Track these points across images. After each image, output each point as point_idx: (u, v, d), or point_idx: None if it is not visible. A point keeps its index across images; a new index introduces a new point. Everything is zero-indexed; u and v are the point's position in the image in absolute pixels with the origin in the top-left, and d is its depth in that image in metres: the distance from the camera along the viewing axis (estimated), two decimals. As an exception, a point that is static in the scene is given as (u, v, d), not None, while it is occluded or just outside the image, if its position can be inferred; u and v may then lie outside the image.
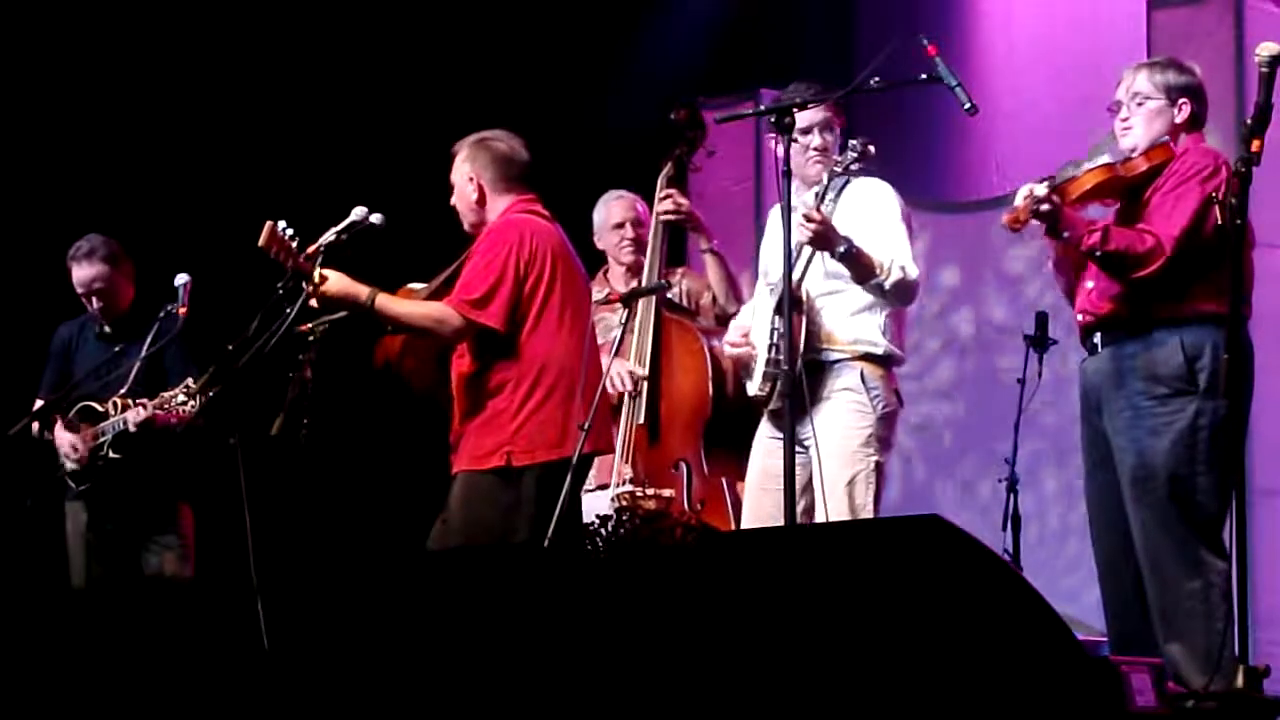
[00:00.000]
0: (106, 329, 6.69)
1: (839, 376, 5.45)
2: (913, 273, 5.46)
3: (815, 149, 5.56)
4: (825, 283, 5.46)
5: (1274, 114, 4.48)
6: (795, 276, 5.16)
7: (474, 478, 5.37)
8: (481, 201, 5.55)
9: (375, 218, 5.31)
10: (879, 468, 5.46)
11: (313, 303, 5.23)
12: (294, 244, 5.22)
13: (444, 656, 4.30)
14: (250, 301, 5.25)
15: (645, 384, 6.18)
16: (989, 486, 7.67)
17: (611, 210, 6.57)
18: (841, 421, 5.41)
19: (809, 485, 5.36)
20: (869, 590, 3.85)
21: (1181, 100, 5.02)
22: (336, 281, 5.27)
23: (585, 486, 5.65)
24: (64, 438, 6.49)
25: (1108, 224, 4.96)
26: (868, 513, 5.39)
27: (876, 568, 3.87)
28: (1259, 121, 4.47)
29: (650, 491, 5.97)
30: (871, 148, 5.43)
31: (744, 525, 5.63)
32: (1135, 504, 4.90)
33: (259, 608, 4.76)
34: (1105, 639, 5.20)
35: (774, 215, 5.56)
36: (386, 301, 5.35)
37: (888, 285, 5.41)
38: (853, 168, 5.45)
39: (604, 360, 5.65)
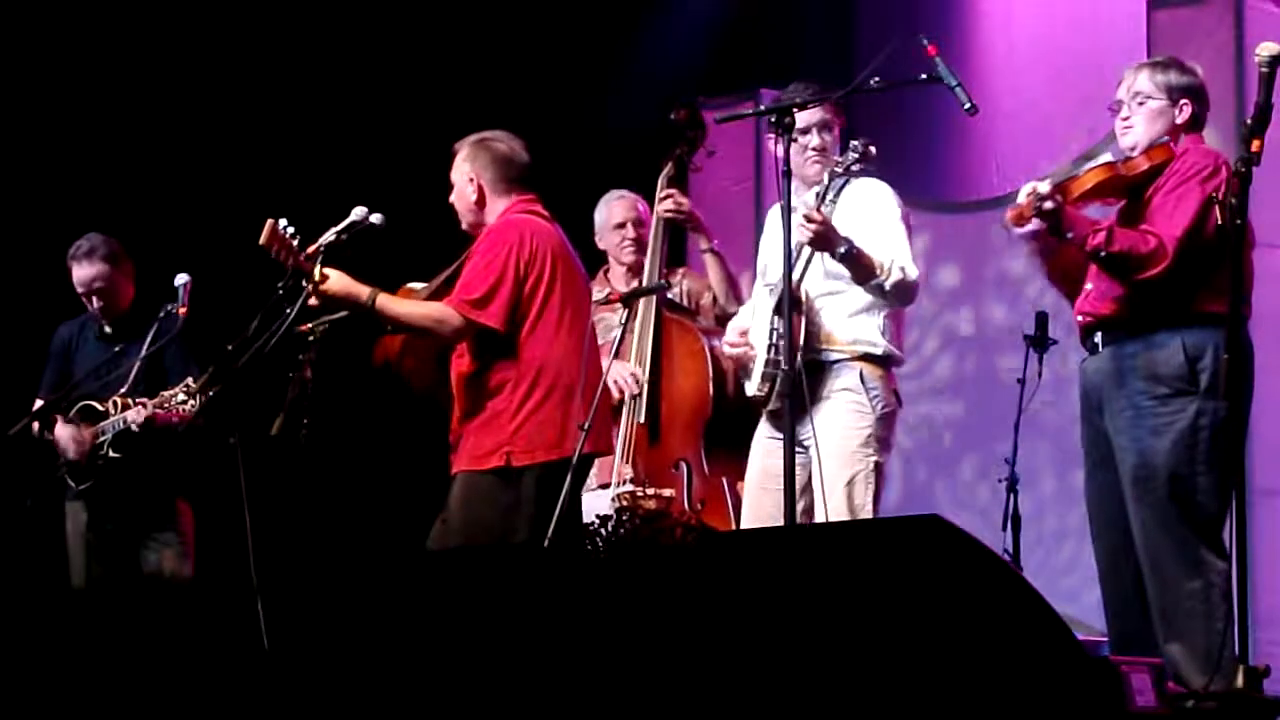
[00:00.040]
0: (107, 329, 6.69)
1: (838, 377, 5.45)
2: (912, 273, 5.46)
3: (814, 149, 5.56)
4: (825, 283, 5.46)
5: (1274, 114, 4.48)
6: (795, 277, 5.16)
7: (474, 478, 5.37)
8: (481, 202, 5.55)
9: (375, 218, 5.31)
10: (878, 468, 5.46)
11: (313, 302, 5.23)
12: (295, 243, 5.22)
13: (444, 657, 4.30)
14: (250, 301, 5.25)
15: (646, 384, 6.18)
16: (989, 486, 7.67)
17: (613, 210, 6.57)
18: (841, 422, 5.41)
19: (808, 485, 5.36)
20: (869, 590, 3.85)
21: (1183, 101, 5.02)
22: (337, 281, 5.27)
23: (586, 486, 5.65)
24: (64, 431, 6.49)
25: (1112, 224, 4.96)
26: (867, 513, 5.39)
27: (876, 568, 3.87)
28: (1259, 121, 4.47)
29: (651, 491, 5.97)
30: (872, 148, 5.43)
31: (744, 525, 5.63)
32: (1136, 504, 4.90)
33: (259, 608, 4.76)
34: (1105, 639, 5.20)
35: (773, 215, 5.57)
36: (387, 301, 5.35)
37: (888, 286, 5.41)
38: (853, 168, 5.45)
39: (604, 361, 5.66)
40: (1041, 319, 7.22)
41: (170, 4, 8.15)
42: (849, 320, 5.48)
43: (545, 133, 5.91)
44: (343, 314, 5.31)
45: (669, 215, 6.36)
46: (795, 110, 5.19)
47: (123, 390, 6.46)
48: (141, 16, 8.07)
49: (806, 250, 5.34)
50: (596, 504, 5.72)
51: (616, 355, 5.75)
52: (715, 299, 6.46)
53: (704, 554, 4.31)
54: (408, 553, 5.49)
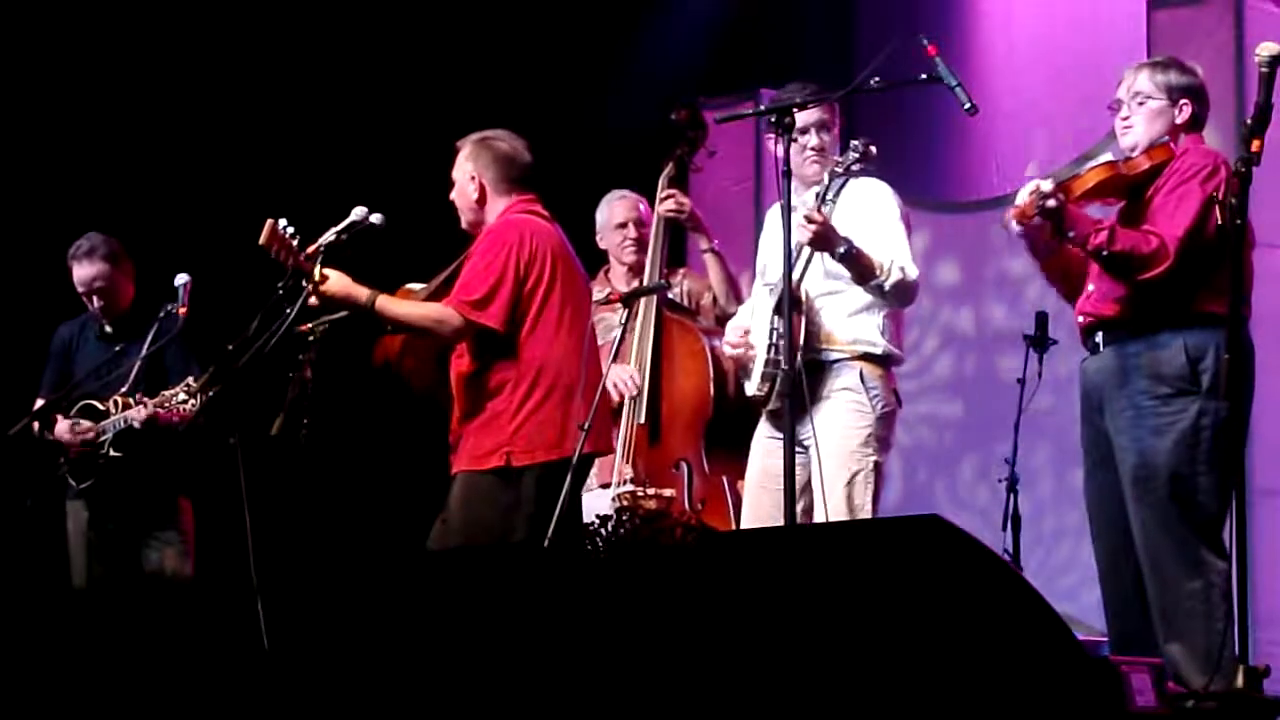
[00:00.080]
0: (107, 328, 6.69)
1: (838, 376, 5.45)
2: (912, 273, 5.46)
3: (812, 149, 5.55)
4: (824, 283, 5.46)
5: (1274, 114, 4.48)
6: (795, 276, 5.16)
7: (474, 478, 5.38)
8: (482, 201, 5.55)
9: (375, 218, 5.31)
10: (878, 468, 5.46)
11: (312, 301, 5.23)
12: (295, 243, 5.22)
13: (444, 657, 4.30)
14: (250, 301, 5.25)
15: (645, 385, 6.19)
16: (989, 486, 7.67)
17: (614, 210, 6.58)
18: (840, 421, 5.41)
19: (808, 485, 5.36)
20: (869, 590, 3.85)
21: (1183, 101, 5.02)
22: (336, 282, 5.27)
23: (586, 486, 5.65)
24: (63, 425, 6.49)
25: (1114, 224, 4.96)
26: (866, 513, 5.39)
27: (876, 568, 3.87)
28: (1259, 121, 4.47)
29: (651, 491, 5.98)
30: (872, 148, 5.43)
31: (744, 525, 5.62)
32: (1136, 503, 4.89)
33: (259, 608, 4.76)
34: (1105, 639, 5.20)
35: (772, 215, 5.57)
36: (386, 303, 5.35)
37: (887, 286, 5.41)
38: (853, 168, 5.45)
39: (604, 361, 5.66)
40: (1041, 319, 7.22)
41: (170, 4, 8.15)
42: (849, 320, 5.48)
43: (545, 133, 5.90)
44: (343, 314, 5.32)
45: (670, 215, 6.36)
46: (795, 110, 5.19)
47: (123, 390, 6.46)
48: (141, 16, 8.07)
49: (806, 250, 5.34)
50: (596, 504, 5.72)
51: (617, 355, 5.75)
52: (715, 299, 6.47)
53: (704, 554, 4.31)
54: (408, 553, 5.49)
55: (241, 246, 5.34)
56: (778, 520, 5.11)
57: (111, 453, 6.41)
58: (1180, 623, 4.81)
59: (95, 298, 6.64)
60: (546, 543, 5.04)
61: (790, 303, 5.12)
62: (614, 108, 8.24)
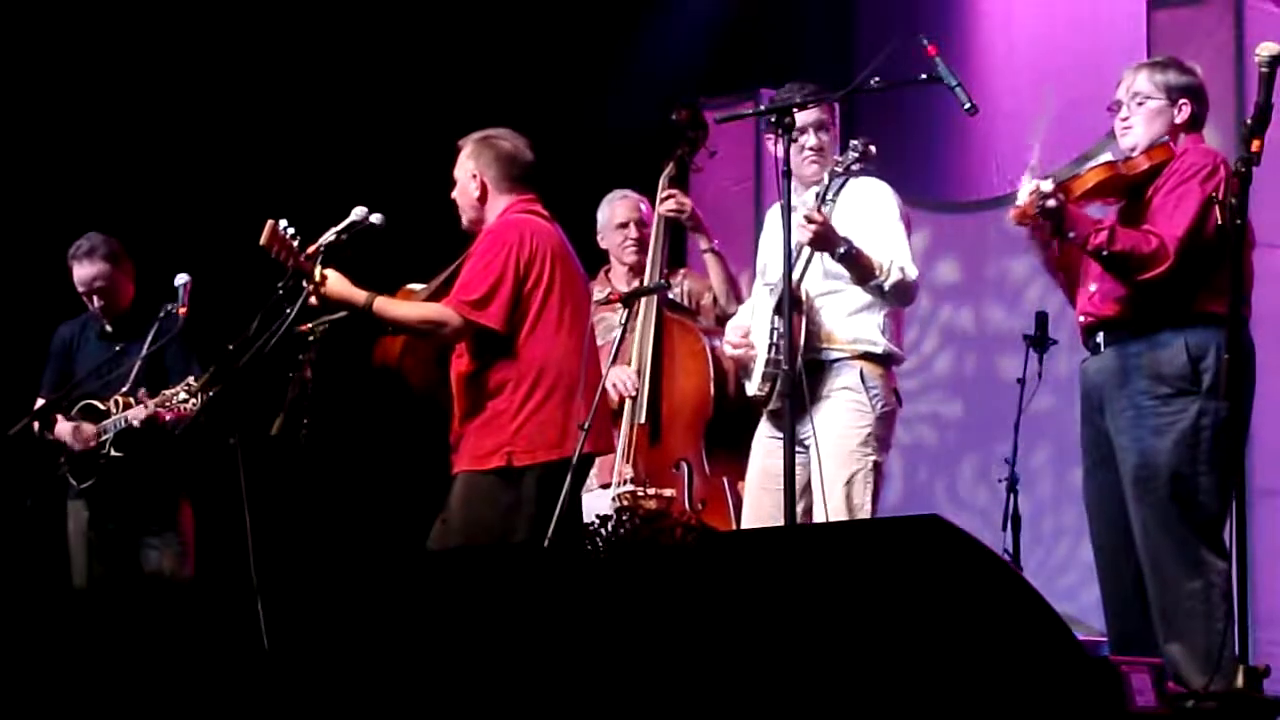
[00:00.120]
0: (108, 328, 6.69)
1: (838, 375, 5.45)
2: (912, 273, 5.46)
3: (811, 149, 5.55)
4: (824, 282, 5.46)
5: (1274, 114, 4.48)
6: (795, 276, 5.16)
7: (474, 478, 5.38)
8: (483, 199, 5.55)
9: (375, 218, 5.31)
10: (877, 467, 5.46)
11: (312, 301, 5.24)
12: (295, 243, 5.22)
13: (444, 657, 4.30)
14: (250, 301, 5.25)
15: (646, 385, 6.19)
16: (989, 486, 7.67)
17: (616, 210, 6.58)
18: (840, 420, 5.41)
19: (809, 485, 5.36)
20: (869, 590, 3.85)
21: (1182, 100, 5.02)
22: (335, 283, 5.27)
23: (586, 486, 5.65)
24: (65, 427, 6.49)
25: (1114, 224, 4.96)
26: (865, 512, 5.39)
27: (876, 568, 3.87)
28: (1259, 121, 4.47)
29: (651, 491, 5.98)
30: (872, 147, 5.43)
31: (744, 525, 5.62)
32: (1136, 503, 4.89)
33: (259, 608, 4.76)
34: (1105, 639, 5.20)
35: (772, 214, 5.57)
36: (384, 304, 5.35)
37: (887, 286, 5.41)
38: (853, 167, 5.44)
39: (604, 361, 5.66)
40: (1041, 319, 7.22)
41: (170, 4, 8.15)
42: (849, 319, 5.48)
43: (546, 133, 5.90)
44: (343, 314, 5.32)
45: (670, 215, 6.36)
46: (795, 110, 5.19)
47: (124, 389, 6.46)
48: (141, 16, 8.07)
49: (806, 250, 5.34)
50: (597, 504, 5.72)
51: (617, 355, 5.74)
52: (715, 299, 6.47)
53: (704, 554, 4.31)
54: (408, 553, 5.49)
55: (241, 246, 5.34)
56: (778, 521, 5.10)
57: (112, 452, 6.42)
58: (1180, 623, 4.81)
59: (95, 297, 6.64)
60: (546, 543, 5.04)
61: (790, 303, 5.12)
62: (614, 108, 8.25)
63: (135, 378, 6.49)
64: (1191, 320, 4.88)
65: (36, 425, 6.54)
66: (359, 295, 5.30)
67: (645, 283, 6.25)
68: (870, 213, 5.49)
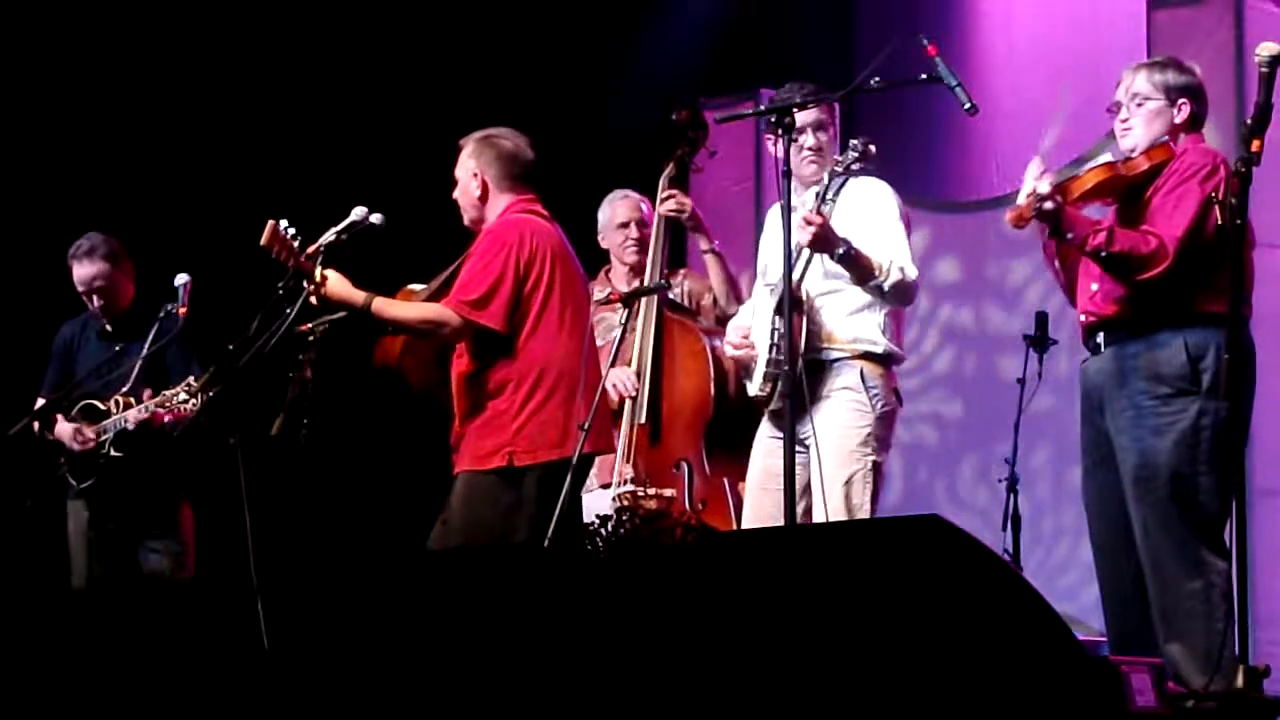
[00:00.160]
0: (108, 327, 6.69)
1: (839, 375, 5.44)
2: (911, 273, 5.46)
3: (809, 149, 5.55)
4: (824, 282, 5.46)
5: (1274, 114, 4.47)
6: (795, 276, 5.16)
7: (475, 478, 5.38)
8: (484, 198, 5.55)
9: (375, 218, 5.32)
10: (877, 468, 5.45)
11: (313, 300, 5.24)
12: (295, 243, 5.22)
13: (444, 657, 4.30)
14: (250, 301, 5.25)
15: (646, 385, 6.19)
16: (989, 486, 7.67)
17: (617, 210, 6.58)
18: (840, 420, 5.41)
19: (809, 485, 5.36)
20: (869, 590, 3.85)
21: (1181, 100, 5.02)
22: (335, 284, 5.27)
23: (586, 487, 5.65)
24: (66, 428, 6.49)
25: (1112, 225, 4.96)
26: (864, 513, 5.38)
27: (876, 568, 3.87)
28: (1259, 121, 4.47)
29: (651, 491, 5.98)
30: (872, 147, 5.43)
31: (744, 525, 5.62)
32: (1136, 503, 4.89)
33: (259, 608, 4.76)
34: (1105, 639, 5.20)
35: (773, 215, 5.57)
36: (384, 305, 5.35)
37: (887, 286, 5.41)
38: (853, 167, 5.44)
39: (604, 361, 5.66)
40: (1041, 319, 7.22)
41: (170, 4, 8.15)
42: (849, 318, 5.48)
43: (546, 132, 5.91)
44: (343, 314, 5.32)
45: (671, 215, 6.36)
46: (795, 110, 5.19)
47: (124, 389, 6.46)
48: (141, 16, 8.07)
49: (806, 250, 5.34)
50: (597, 504, 5.72)
51: (617, 355, 5.74)
52: (715, 300, 6.47)
53: (704, 554, 4.31)
54: (408, 553, 5.49)
55: (241, 246, 5.34)
56: (779, 521, 5.10)
57: (112, 452, 6.42)
58: (1180, 623, 4.81)
59: (95, 297, 6.64)
60: (547, 543, 5.04)
61: (791, 303, 5.12)
62: (614, 108, 8.25)
63: (135, 378, 6.49)
64: (1191, 320, 4.87)
65: (36, 425, 6.54)
66: (359, 295, 5.30)
67: (645, 283, 6.25)
68: (870, 212, 5.49)
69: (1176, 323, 4.89)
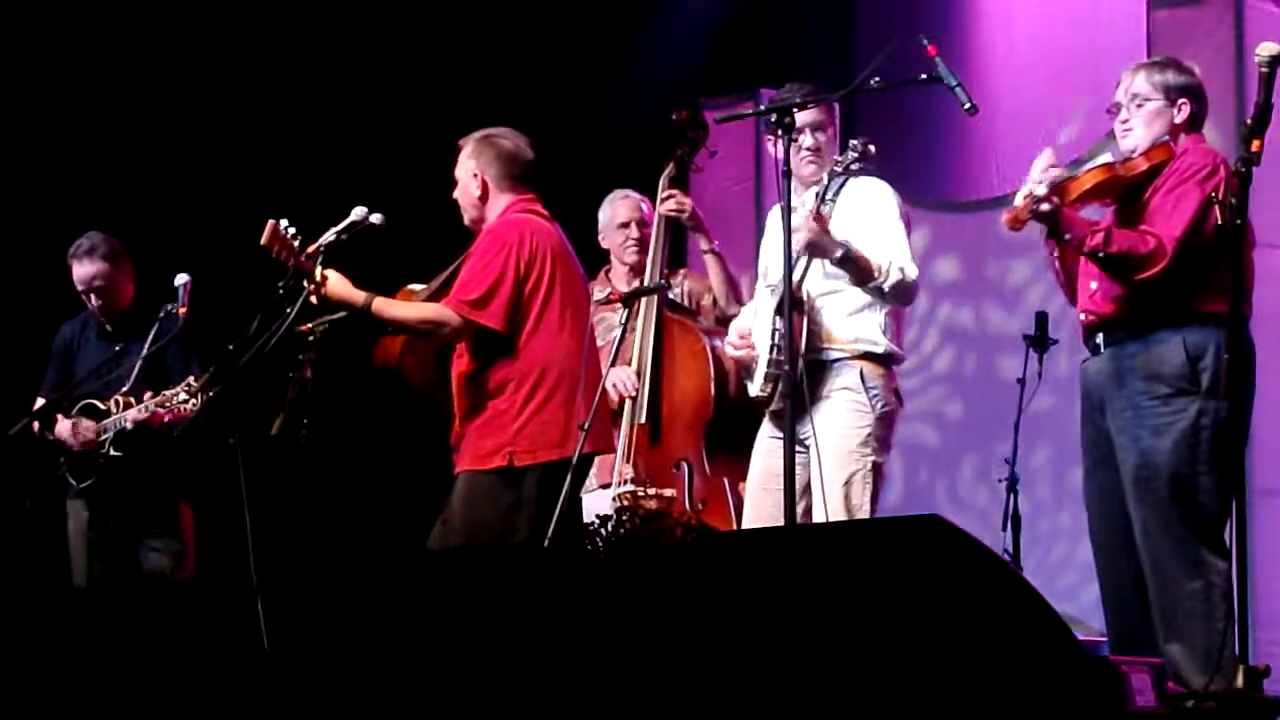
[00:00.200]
0: (108, 327, 6.69)
1: (839, 375, 5.44)
2: (911, 273, 5.46)
3: (808, 149, 5.55)
4: (825, 282, 5.46)
5: (1274, 114, 4.47)
6: (795, 277, 5.16)
7: (476, 478, 5.38)
8: (484, 198, 5.56)
9: (375, 218, 5.32)
10: (877, 468, 5.45)
11: (313, 300, 5.24)
12: (296, 243, 5.23)
13: (444, 657, 4.30)
14: (250, 301, 5.25)
15: (646, 385, 6.19)
16: (989, 486, 7.67)
17: (617, 210, 6.58)
18: (840, 420, 5.41)
19: (809, 486, 5.36)
20: (869, 590, 3.85)
21: (1181, 100, 5.02)
22: (335, 284, 5.28)
23: (586, 487, 5.65)
24: (65, 425, 6.49)
25: (1110, 225, 4.96)
26: (864, 513, 5.38)
27: (876, 568, 3.87)
28: (1259, 121, 4.47)
29: (651, 491, 5.98)
30: (871, 147, 5.43)
31: (745, 525, 5.62)
32: (1136, 503, 4.89)
33: (259, 608, 4.76)
34: (1105, 639, 5.20)
35: (774, 216, 5.56)
36: (383, 305, 5.35)
37: (887, 287, 5.41)
38: (853, 167, 5.45)
39: (604, 361, 5.66)
40: (1041, 319, 7.22)
41: (170, 4, 8.15)
42: (849, 319, 5.48)
43: (546, 133, 5.91)
44: (343, 314, 5.32)
45: (671, 215, 6.36)
46: (795, 110, 5.19)
47: (124, 389, 6.46)
48: (141, 16, 8.07)
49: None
50: (597, 504, 5.72)
51: (617, 355, 5.75)
52: (715, 300, 6.47)
53: (704, 554, 4.31)
54: (408, 553, 5.49)
55: (241, 246, 5.34)
56: (779, 521, 5.10)
57: (111, 452, 6.42)
58: (1180, 623, 4.81)
59: (95, 296, 6.64)
60: (547, 543, 5.04)
61: (791, 303, 5.12)
62: (614, 108, 8.25)
63: (135, 378, 6.49)
64: (1190, 320, 4.87)
65: (36, 425, 6.54)
66: (359, 295, 5.30)
67: (645, 283, 6.25)
68: (870, 212, 5.49)
69: (1176, 322, 4.89)
